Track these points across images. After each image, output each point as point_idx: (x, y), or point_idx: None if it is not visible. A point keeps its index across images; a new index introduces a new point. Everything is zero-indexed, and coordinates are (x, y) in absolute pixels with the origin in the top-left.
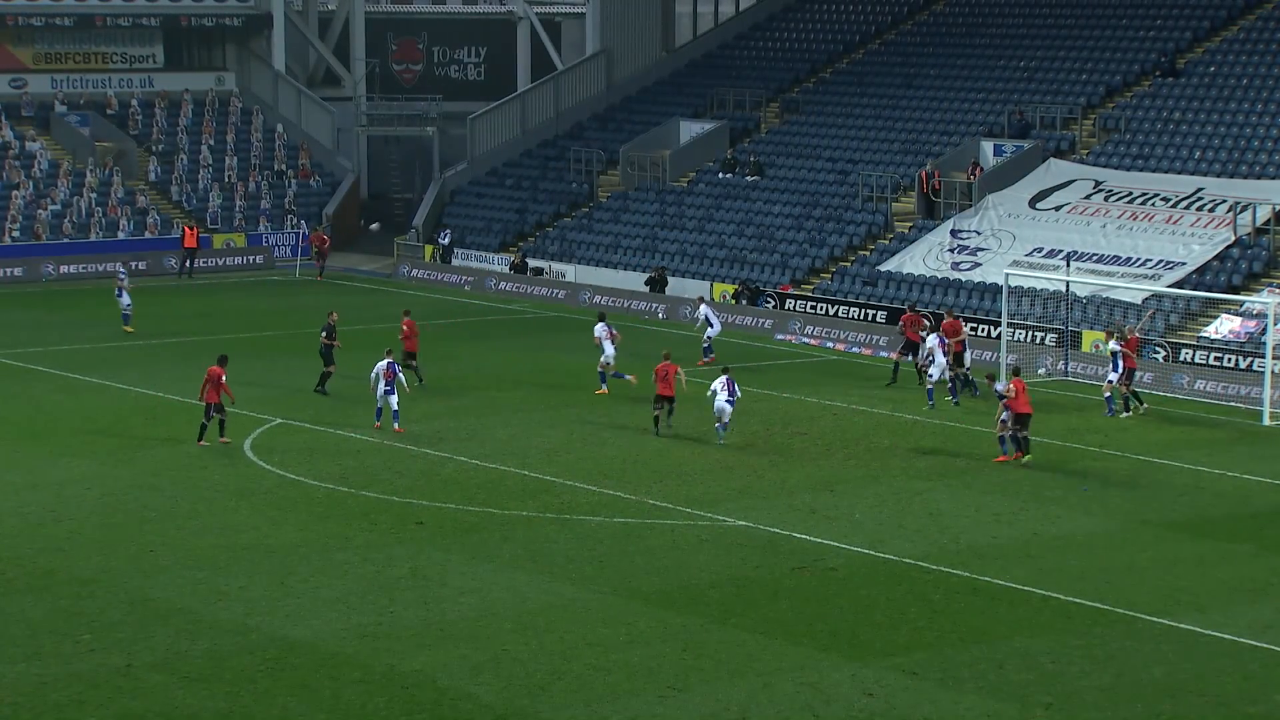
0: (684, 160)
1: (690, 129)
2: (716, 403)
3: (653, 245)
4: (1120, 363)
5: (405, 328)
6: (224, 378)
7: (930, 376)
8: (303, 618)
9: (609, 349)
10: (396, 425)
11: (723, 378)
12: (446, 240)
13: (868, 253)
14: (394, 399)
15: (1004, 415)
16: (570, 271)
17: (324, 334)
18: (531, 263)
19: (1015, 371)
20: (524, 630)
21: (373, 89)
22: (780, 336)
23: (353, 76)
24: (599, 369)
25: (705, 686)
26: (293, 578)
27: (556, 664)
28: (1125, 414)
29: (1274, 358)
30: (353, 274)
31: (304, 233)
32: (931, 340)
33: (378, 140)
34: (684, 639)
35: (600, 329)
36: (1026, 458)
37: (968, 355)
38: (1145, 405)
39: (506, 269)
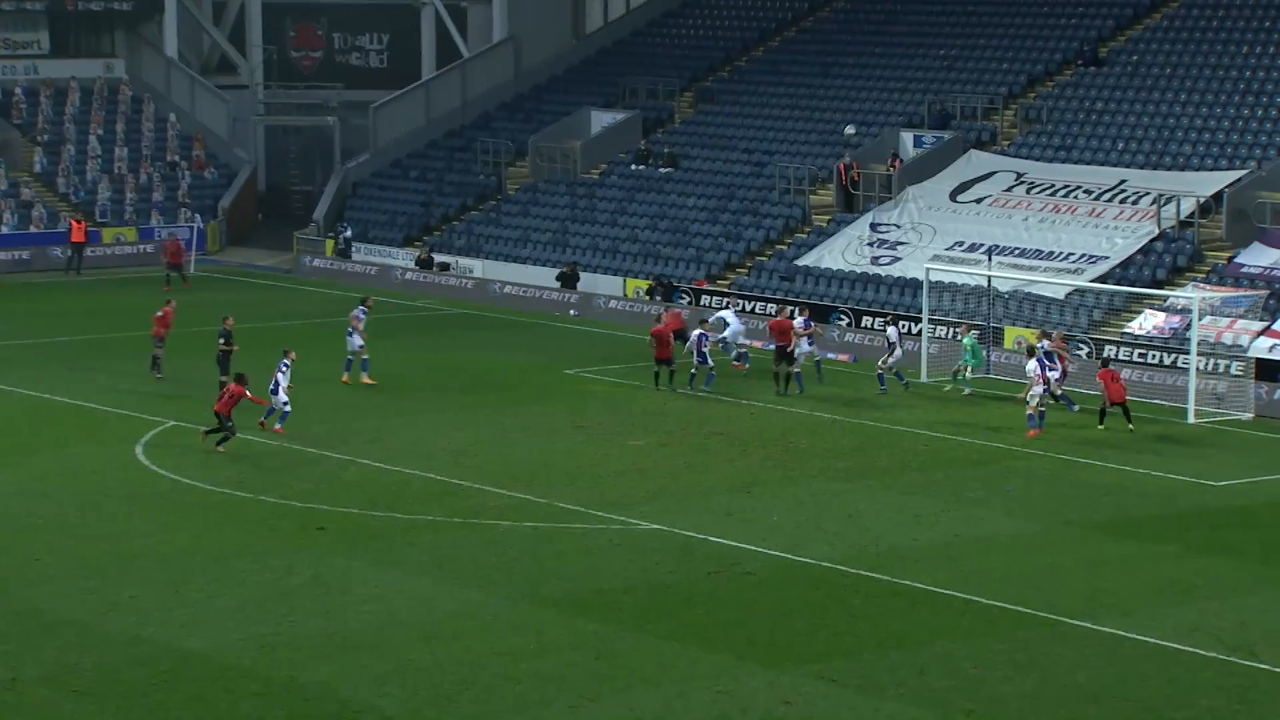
0: (595, 151)
1: (601, 119)
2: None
3: (563, 239)
4: (1057, 362)
5: (163, 313)
6: (246, 394)
7: (888, 364)
8: (198, 628)
9: (354, 338)
10: (278, 426)
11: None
12: (348, 234)
13: (785, 247)
14: (279, 398)
15: (1034, 391)
16: (478, 267)
17: (221, 340)
18: (438, 258)
19: (1105, 363)
20: (430, 639)
21: (270, 77)
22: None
23: (249, 64)
24: (352, 358)
25: (618, 696)
26: (188, 587)
27: (464, 674)
28: (1075, 407)
29: (1199, 354)
30: (250, 269)
31: (198, 226)
32: (892, 333)
33: (276, 130)
34: (596, 647)
35: (358, 312)
36: (1130, 426)
37: (802, 349)
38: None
39: (411, 264)
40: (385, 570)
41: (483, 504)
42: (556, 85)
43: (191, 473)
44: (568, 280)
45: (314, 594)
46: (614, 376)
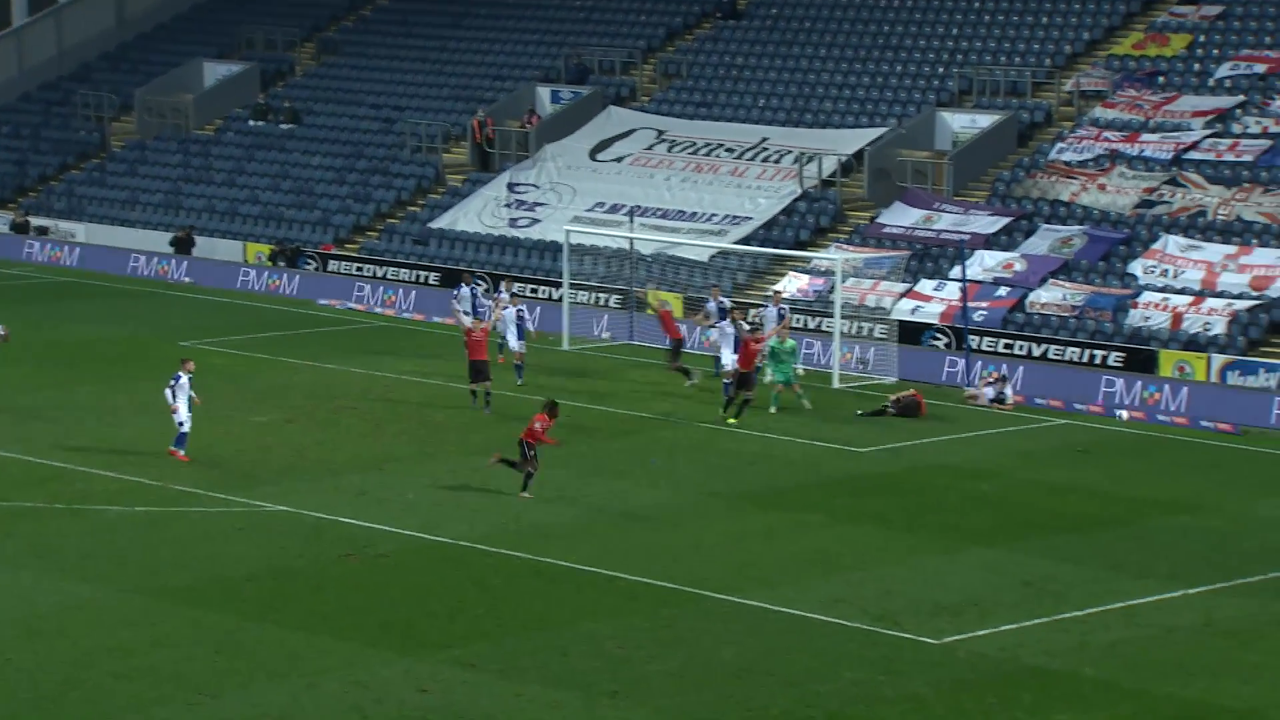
0: (210, 106)
1: (216, 71)
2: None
3: (176, 201)
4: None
5: None
6: (540, 424)
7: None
8: None
9: None
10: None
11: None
12: None
13: (418, 209)
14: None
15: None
16: (81, 231)
17: None
18: (34, 221)
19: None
20: (30, 637)
21: None
22: (323, 301)
23: None
24: None
25: (241, 691)
26: None
27: (69, 673)
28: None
29: (842, 317)
30: None
31: None
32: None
33: None
34: (217, 639)
35: None
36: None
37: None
38: (692, 381)
39: (6, 229)
40: None
41: (90, 488)
42: (164, 33)
43: None
44: (182, 245)
45: None
46: (235, 349)
